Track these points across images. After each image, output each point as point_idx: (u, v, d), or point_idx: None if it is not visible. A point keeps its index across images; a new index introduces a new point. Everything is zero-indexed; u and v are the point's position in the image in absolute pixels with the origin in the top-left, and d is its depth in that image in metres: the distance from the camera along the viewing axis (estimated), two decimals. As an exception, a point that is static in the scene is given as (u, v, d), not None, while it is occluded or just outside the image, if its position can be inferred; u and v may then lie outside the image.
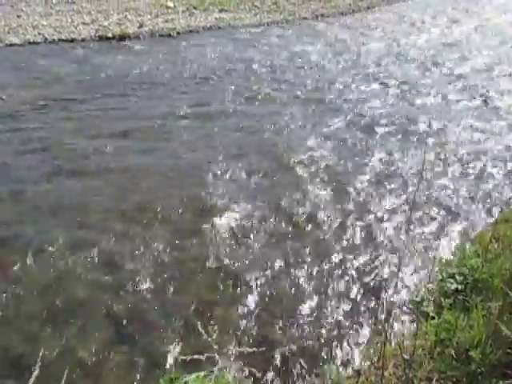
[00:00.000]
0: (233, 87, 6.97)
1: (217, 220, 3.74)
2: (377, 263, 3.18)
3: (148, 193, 4.14)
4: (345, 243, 3.42)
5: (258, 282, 3.04)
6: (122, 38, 10.27)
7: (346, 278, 3.04)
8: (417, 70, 7.62)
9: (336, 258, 3.23)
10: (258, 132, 5.43)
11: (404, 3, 13.16)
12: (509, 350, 2.04)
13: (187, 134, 5.38)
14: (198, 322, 2.56)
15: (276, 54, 8.72)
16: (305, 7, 12.42)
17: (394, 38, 9.77)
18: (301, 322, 2.73)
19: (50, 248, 3.33)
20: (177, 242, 3.49)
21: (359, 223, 3.64)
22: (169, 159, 4.81)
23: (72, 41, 10.11)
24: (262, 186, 4.18)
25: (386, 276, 3.01)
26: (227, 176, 4.41)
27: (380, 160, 4.68)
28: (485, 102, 6.28)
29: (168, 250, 3.41)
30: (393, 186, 4.19)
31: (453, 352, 1.91)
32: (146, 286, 3.08)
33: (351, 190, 4.12)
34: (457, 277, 2.56)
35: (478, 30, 9.96)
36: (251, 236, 3.56)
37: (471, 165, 4.58)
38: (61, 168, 4.64)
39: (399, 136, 5.22)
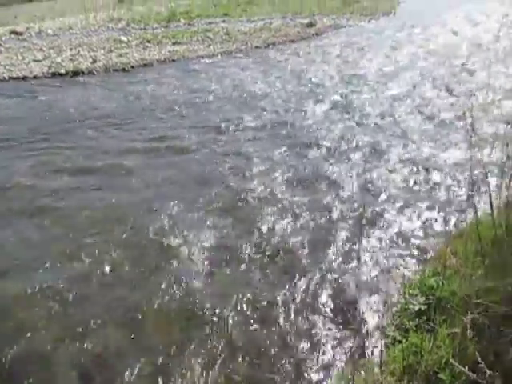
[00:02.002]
0: (189, 120, 7.01)
1: (182, 253, 3.70)
2: (340, 288, 3.21)
3: (106, 232, 4.06)
4: (306, 268, 3.45)
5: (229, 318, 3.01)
6: (76, 73, 10.19)
7: (312, 306, 3.06)
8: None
9: (297, 285, 3.25)
10: (219, 164, 5.44)
11: (351, 28, 13.76)
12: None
13: (144, 169, 5.33)
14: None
15: (228, 83, 8.87)
16: (256, 37, 12.74)
17: (338, 60, 10.20)
18: (267, 356, 2.71)
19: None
20: (141, 279, 3.42)
21: (318, 243, 3.69)
22: (127, 196, 4.74)
23: (24, 78, 9.95)
24: (223, 220, 4.17)
25: (351, 301, 3.04)
26: (188, 210, 4.38)
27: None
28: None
29: (131, 289, 3.33)
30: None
31: (422, 377, 1.94)
32: (111, 327, 2.99)
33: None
34: (419, 297, 2.62)
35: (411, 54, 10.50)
36: (220, 268, 3.54)
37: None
38: (15, 209, 4.52)
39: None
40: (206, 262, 3.61)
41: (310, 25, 13.93)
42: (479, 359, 1.80)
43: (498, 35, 10.85)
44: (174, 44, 12.32)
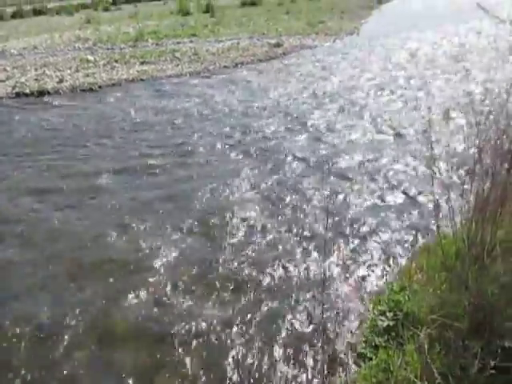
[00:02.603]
0: (156, 140, 6.98)
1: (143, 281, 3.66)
2: (308, 306, 3.24)
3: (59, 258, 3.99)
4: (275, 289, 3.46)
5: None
6: (41, 93, 10.03)
7: (279, 326, 3.06)
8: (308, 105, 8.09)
9: (263, 303, 3.25)
10: (187, 185, 5.43)
11: (317, 48, 14.09)
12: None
13: (110, 192, 5.28)
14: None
15: (197, 102, 8.90)
16: (224, 56, 12.86)
17: (302, 79, 10.40)
18: (232, 379, 2.69)
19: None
20: (107, 305, 3.35)
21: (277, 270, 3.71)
22: (94, 220, 4.67)
23: (-14, 99, 9.72)
24: (188, 246, 4.14)
25: (320, 319, 3.05)
26: (151, 234, 4.35)
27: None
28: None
29: (97, 316, 3.27)
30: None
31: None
32: (78, 354, 2.92)
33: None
34: (387, 313, 2.67)
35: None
36: (183, 294, 3.51)
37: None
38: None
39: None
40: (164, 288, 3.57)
41: (277, 45, 14.18)
42: (437, 376, 1.84)
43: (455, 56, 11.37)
44: (142, 64, 12.30)
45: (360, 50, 13.26)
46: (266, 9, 22.98)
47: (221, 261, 3.82)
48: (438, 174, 4.93)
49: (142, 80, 10.94)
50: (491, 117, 3.06)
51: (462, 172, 4.79)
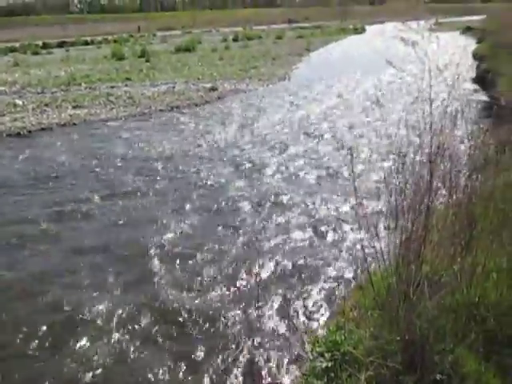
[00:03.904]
0: (90, 184, 6.81)
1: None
2: (247, 351, 3.20)
3: None
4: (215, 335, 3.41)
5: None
6: (-39, 139, 9.49)
7: (222, 369, 3.00)
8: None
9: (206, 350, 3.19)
10: (122, 231, 5.32)
11: (250, 92, 14.56)
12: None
13: (41, 240, 5.05)
14: None
15: (131, 147, 8.84)
16: (160, 100, 12.93)
17: (237, 120, 10.71)
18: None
19: None
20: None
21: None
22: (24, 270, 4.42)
23: None
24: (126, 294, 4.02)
25: (260, 364, 3.03)
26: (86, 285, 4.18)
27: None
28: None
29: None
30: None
31: None
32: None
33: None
34: (325, 354, 2.68)
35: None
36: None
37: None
38: None
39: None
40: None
41: (213, 89, 14.50)
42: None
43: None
44: (74, 107, 12.06)
45: (290, 95, 13.88)
46: (200, 55, 23.55)
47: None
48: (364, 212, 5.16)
49: (74, 124, 10.70)
50: (409, 158, 3.28)
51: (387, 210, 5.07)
